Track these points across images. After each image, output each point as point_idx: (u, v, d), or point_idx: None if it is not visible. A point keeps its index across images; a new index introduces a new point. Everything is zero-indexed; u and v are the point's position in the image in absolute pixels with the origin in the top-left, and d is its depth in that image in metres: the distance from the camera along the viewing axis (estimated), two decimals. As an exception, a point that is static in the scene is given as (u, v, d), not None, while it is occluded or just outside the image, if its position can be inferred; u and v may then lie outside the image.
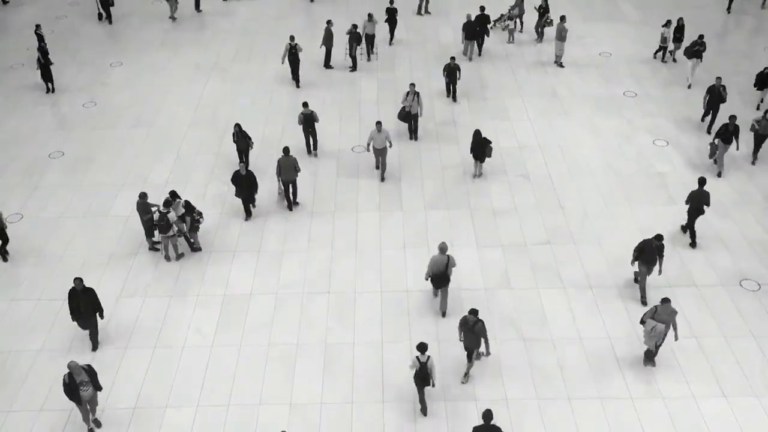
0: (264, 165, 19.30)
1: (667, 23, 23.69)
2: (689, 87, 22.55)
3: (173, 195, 16.01)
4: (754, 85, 21.31)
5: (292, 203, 17.66)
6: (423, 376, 12.34)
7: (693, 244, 16.26)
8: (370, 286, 15.41)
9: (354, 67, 24.05)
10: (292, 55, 22.62)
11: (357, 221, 17.24)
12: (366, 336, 14.22)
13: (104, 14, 26.18)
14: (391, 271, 15.79)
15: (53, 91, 22.92)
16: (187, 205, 16.05)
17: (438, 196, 18.03)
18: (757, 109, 21.33)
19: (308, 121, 19.10)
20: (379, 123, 17.79)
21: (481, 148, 18.19)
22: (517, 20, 26.36)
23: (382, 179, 18.46)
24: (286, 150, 17.15)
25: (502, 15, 26.62)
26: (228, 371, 13.53)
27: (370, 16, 24.09)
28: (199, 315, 14.76)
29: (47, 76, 22.60)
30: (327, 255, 16.27)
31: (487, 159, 18.93)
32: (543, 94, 22.60)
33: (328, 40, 23.58)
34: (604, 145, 20.05)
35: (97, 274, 15.81)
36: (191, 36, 26.61)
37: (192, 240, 16.25)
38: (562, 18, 23.35)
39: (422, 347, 12.26)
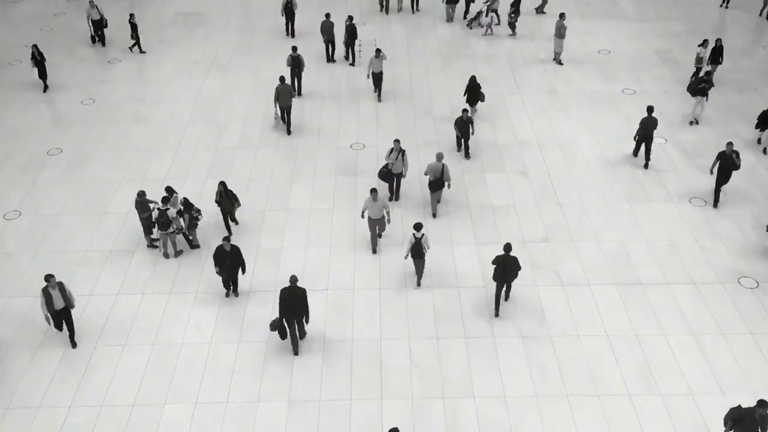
0: (263, 165, 19.32)
1: (704, 43, 22.00)
2: (695, 124, 20.70)
3: (169, 190, 16.00)
4: (756, 127, 19.48)
5: (288, 127, 20.10)
6: (418, 251, 14.42)
7: (646, 166, 18.73)
8: (369, 282, 15.42)
9: (353, 62, 24.01)
10: (288, 9, 25.29)
11: (355, 218, 17.23)
12: (364, 333, 14.23)
13: (97, 37, 25.76)
14: (389, 268, 15.78)
15: (47, 88, 22.74)
16: (186, 203, 16.03)
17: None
18: (765, 153, 19.45)
19: (295, 64, 21.61)
20: (374, 190, 15.48)
21: (474, 93, 20.24)
22: (494, 15, 26.19)
23: (374, 252, 16.23)
24: (282, 78, 19.63)
25: (480, 12, 26.43)
26: (227, 368, 13.54)
27: (378, 51, 21.22)
28: (197, 312, 14.76)
29: (44, 73, 22.48)
30: (325, 251, 16.27)
31: (486, 156, 19.03)
32: (542, 91, 22.59)
33: (329, 32, 23.51)
34: (602, 142, 20.05)
35: (96, 270, 15.80)
36: (189, 32, 26.57)
37: (190, 237, 16.24)
38: (561, 15, 23.33)
39: (418, 226, 14.27)
